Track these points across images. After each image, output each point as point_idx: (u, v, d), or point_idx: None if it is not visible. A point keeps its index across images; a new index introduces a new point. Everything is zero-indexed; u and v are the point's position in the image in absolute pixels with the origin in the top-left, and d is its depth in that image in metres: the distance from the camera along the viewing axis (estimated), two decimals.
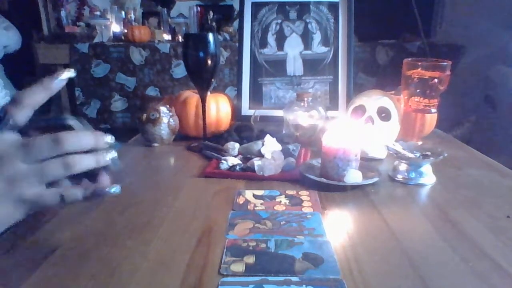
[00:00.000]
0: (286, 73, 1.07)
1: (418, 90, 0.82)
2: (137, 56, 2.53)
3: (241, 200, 0.59)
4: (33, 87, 0.40)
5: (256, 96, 1.07)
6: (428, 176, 0.67)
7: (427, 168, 0.67)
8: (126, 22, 2.83)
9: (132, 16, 2.88)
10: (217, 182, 0.67)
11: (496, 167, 0.75)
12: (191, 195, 0.62)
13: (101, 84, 2.56)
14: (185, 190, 0.64)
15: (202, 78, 0.82)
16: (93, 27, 2.79)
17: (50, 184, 0.39)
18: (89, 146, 0.40)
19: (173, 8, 3.04)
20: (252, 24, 1.07)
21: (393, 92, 0.92)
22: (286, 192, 0.63)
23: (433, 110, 0.83)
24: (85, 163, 0.40)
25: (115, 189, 0.41)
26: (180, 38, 2.76)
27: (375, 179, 0.64)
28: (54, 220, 0.53)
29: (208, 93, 0.86)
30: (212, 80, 0.82)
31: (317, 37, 1.06)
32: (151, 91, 2.56)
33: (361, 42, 2.52)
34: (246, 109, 1.06)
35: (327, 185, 0.63)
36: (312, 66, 1.07)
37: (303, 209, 0.57)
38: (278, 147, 0.75)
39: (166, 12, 2.85)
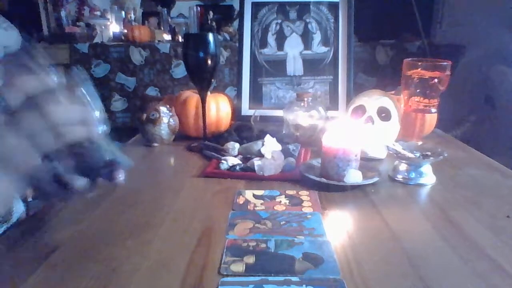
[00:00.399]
0: (286, 73, 1.07)
1: (418, 90, 0.82)
2: (137, 56, 2.53)
3: (241, 200, 0.59)
4: (29, 75, 0.40)
5: (256, 96, 1.07)
6: (428, 176, 0.67)
7: (427, 168, 0.67)
8: (126, 22, 2.84)
9: (132, 16, 2.89)
10: (217, 182, 0.67)
11: (496, 167, 0.75)
12: (191, 195, 0.62)
13: (101, 84, 2.56)
14: (185, 190, 0.64)
15: (202, 78, 0.82)
16: (93, 27, 2.79)
17: (58, 180, 0.39)
18: (78, 118, 0.40)
19: (173, 8, 3.04)
20: (252, 24, 1.07)
21: (393, 92, 0.92)
22: (286, 192, 0.63)
23: (433, 110, 0.83)
24: (76, 133, 0.39)
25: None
26: (180, 38, 2.76)
27: (375, 179, 0.64)
28: (54, 220, 0.53)
29: (208, 93, 0.86)
30: (212, 80, 0.82)
31: (317, 37, 1.06)
32: (151, 91, 2.56)
33: (361, 42, 2.52)
34: (246, 109, 1.06)
35: (327, 185, 0.63)
36: (312, 66, 1.07)
37: (303, 209, 0.57)
38: (278, 147, 0.74)
39: (166, 12, 2.85)
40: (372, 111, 0.81)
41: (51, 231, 0.50)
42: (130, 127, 2.54)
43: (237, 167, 0.70)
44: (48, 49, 2.63)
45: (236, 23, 2.71)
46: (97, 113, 0.42)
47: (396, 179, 0.67)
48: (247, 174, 0.69)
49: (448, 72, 0.80)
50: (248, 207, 0.57)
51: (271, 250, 0.46)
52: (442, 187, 0.65)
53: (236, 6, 2.73)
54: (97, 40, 2.67)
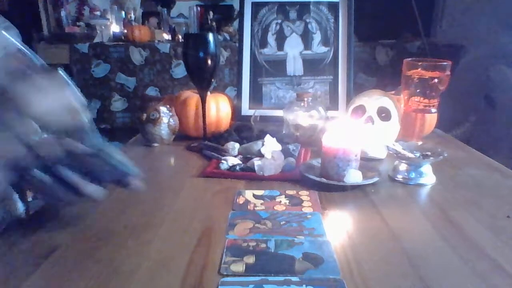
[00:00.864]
0: (286, 73, 1.07)
1: (418, 90, 0.82)
2: (137, 56, 2.53)
3: (241, 200, 0.59)
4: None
5: (256, 96, 1.07)
6: (428, 176, 0.67)
7: (427, 168, 0.67)
8: (126, 22, 2.84)
9: (132, 16, 2.88)
10: (217, 182, 0.67)
11: (496, 167, 0.75)
12: (191, 195, 0.62)
13: (101, 84, 2.56)
14: (185, 190, 0.64)
15: (202, 78, 0.82)
16: (93, 27, 2.79)
17: (63, 183, 0.39)
18: (62, 104, 0.39)
19: (173, 8, 3.04)
20: (252, 24, 1.07)
21: (393, 92, 0.92)
22: (286, 192, 0.63)
23: (433, 110, 0.83)
24: (63, 121, 0.39)
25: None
26: (180, 38, 2.76)
27: (375, 179, 0.64)
28: (54, 220, 0.53)
29: (208, 93, 0.86)
30: (212, 80, 0.82)
31: (317, 37, 1.06)
32: (151, 91, 2.56)
33: (361, 42, 2.52)
34: (246, 109, 1.06)
35: (327, 185, 0.63)
36: (312, 66, 1.07)
37: (303, 209, 0.57)
38: (278, 147, 0.74)
39: (166, 12, 2.85)
40: (372, 111, 0.81)
41: (51, 231, 0.50)
42: (130, 127, 2.54)
43: (237, 167, 0.70)
44: (48, 49, 2.64)
45: (236, 23, 2.71)
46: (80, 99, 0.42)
47: (396, 179, 0.67)
48: (247, 174, 0.69)
49: (448, 72, 0.80)
50: (248, 207, 0.57)
51: (271, 250, 0.46)
52: (442, 187, 0.65)
53: (236, 6, 2.73)
54: (97, 40, 2.67)
